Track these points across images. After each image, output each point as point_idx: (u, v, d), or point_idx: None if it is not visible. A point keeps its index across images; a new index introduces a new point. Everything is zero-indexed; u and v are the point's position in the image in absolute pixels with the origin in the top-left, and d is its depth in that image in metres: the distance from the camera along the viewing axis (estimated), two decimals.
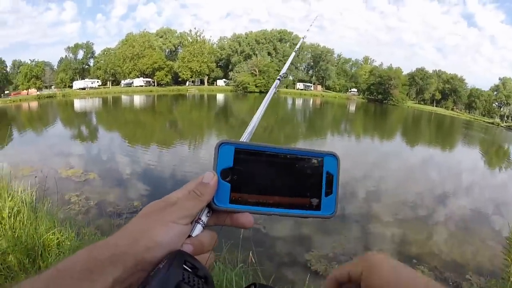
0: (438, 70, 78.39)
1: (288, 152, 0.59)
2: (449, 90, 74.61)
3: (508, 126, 62.94)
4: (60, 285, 0.41)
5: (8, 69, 60.63)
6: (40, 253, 3.46)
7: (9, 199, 4.23)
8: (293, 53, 1.57)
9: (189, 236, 0.54)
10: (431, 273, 6.50)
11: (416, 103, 76.91)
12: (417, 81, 74.81)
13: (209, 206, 0.56)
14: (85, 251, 0.46)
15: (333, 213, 0.60)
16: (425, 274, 6.34)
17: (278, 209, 0.58)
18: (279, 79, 1.18)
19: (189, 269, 0.46)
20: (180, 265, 0.45)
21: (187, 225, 0.53)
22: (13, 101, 48.74)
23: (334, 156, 0.61)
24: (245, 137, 0.72)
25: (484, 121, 67.62)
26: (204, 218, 0.56)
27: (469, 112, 75.25)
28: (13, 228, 3.74)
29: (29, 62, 61.85)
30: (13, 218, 3.92)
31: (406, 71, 76.03)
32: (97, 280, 0.42)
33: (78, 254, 0.45)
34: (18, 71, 61.05)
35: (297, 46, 1.81)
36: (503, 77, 72.42)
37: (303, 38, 2.12)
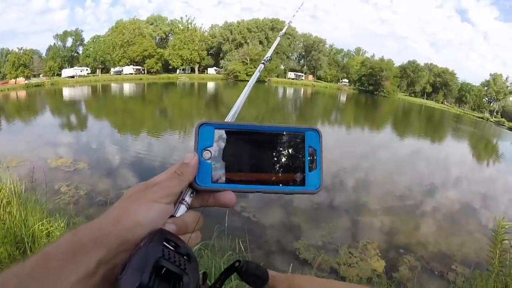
0: (430, 64, 78.86)
1: (268, 129, 0.60)
2: (440, 83, 75.12)
3: (497, 121, 63.71)
4: (44, 268, 0.41)
5: None
6: (29, 244, 3.45)
7: None
8: (278, 38, 1.54)
9: (172, 216, 0.54)
10: (417, 263, 6.65)
11: (406, 95, 77.34)
12: (409, 74, 75.12)
13: (192, 187, 0.57)
14: (69, 235, 0.46)
15: (318, 188, 0.60)
16: (412, 263, 6.52)
17: (262, 186, 0.58)
18: (263, 63, 1.19)
19: (170, 247, 0.46)
20: (161, 242, 0.45)
21: (169, 204, 0.53)
22: (1, 91, 47.63)
23: (315, 130, 0.61)
24: (229, 118, 0.72)
25: (473, 115, 68.38)
26: (187, 198, 0.57)
27: (459, 106, 75.88)
28: (3, 220, 3.72)
29: (17, 50, 60.34)
30: (3, 210, 3.89)
31: (397, 63, 76.23)
32: (81, 262, 0.42)
33: (62, 237, 0.46)
34: (6, 59, 59.41)
35: (283, 31, 1.80)
36: (494, 73, 72.99)
37: (288, 23, 2.11)
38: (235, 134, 0.59)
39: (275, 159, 0.59)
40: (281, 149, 0.60)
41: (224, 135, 0.59)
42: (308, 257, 6.49)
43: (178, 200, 0.56)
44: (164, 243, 0.46)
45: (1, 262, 3.07)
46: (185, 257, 0.46)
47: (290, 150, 0.60)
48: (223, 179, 0.58)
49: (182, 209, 0.56)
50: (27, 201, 4.48)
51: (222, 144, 0.58)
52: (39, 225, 3.85)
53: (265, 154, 0.59)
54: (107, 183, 9.73)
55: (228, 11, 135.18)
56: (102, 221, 0.48)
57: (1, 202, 3.99)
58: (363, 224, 8.57)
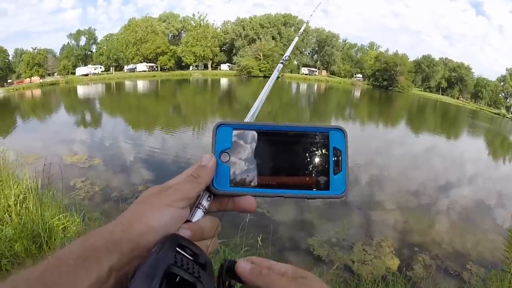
0: (445, 58, 77.12)
1: (289, 129, 0.57)
2: (455, 78, 73.52)
3: None
4: (55, 273, 0.40)
5: (10, 58, 59.91)
6: (46, 239, 3.50)
7: (15, 186, 4.28)
8: (296, 38, 1.54)
9: (188, 221, 0.52)
10: (432, 262, 6.55)
11: (421, 90, 76.00)
12: (423, 69, 73.79)
13: (209, 190, 0.55)
14: (81, 239, 0.45)
15: (344, 192, 0.57)
16: (426, 262, 6.43)
17: (283, 190, 0.56)
18: (282, 63, 1.16)
19: (184, 253, 0.44)
20: (173, 248, 0.44)
21: (184, 208, 0.51)
22: (16, 90, 48.59)
23: (340, 130, 0.58)
24: (248, 118, 0.70)
25: (489, 111, 66.58)
26: (204, 203, 0.55)
27: (475, 102, 74.23)
28: (19, 215, 3.80)
29: (31, 50, 61.39)
30: (19, 205, 3.96)
31: (412, 58, 74.89)
32: (92, 268, 0.41)
33: (74, 242, 0.45)
34: (21, 59, 60.35)
35: (301, 31, 1.79)
36: (510, 68, 71.09)
37: (306, 22, 2.09)
38: (254, 135, 0.57)
39: (297, 161, 0.57)
40: (303, 150, 0.57)
41: (243, 136, 0.56)
42: (322, 254, 6.46)
43: (195, 205, 0.54)
44: (177, 249, 0.44)
45: (17, 257, 3.13)
46: (200, 264, 0.45)
47: (313, 152, 0.57)
48: (243, 182, 0.55)
49: (199, 213, 0.54)
50: (43, 197, 4.55)
51: (241, 146, 0.56)
52: (55, 220, 3.92)
53: (287, 156, 0.57)
54: (122, 179, 9.85)
55: (240, 7, 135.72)
56: (114, 226, 0.47)
57: (18, 197, 4.07)
58: (377, 221, 8.47)
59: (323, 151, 0.57)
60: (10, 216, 3.79)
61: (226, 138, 0.56)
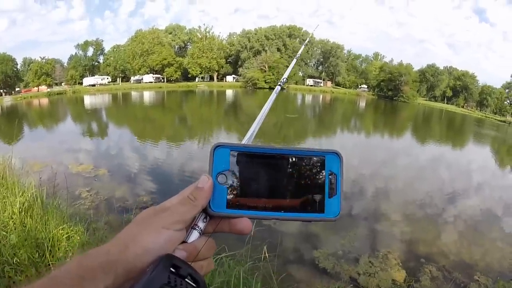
0: (449, 67, 77.25)
1: (287, 152, 0.57)
2: (460, 87, 73.38)
3: None
4: None
5: (18, 67, 61.27)
6: (49, 248, 3.50)
7: (20, 194, 4.29)
8: (294, 60, 1.58)
9: (184, 242, 0.52)
10: (439, 273, 6.45)
11: (426, 100, 75.88)
12: (428, 78, 73.72)
13: (205, 212, 0.55)
14: (78, 259, 0.45)
15: (337, 215, 0.57)
16: (433, 273, 6.33)
17: (279, 213, 0.56)
18: (279, 85, 1.19)
19: (178, 273, 0.44)
20: (167, 269, 0.44)
21: (180, 231, 0.51)
22: (24, 98, 49.35)
23: (336, 154, 0.58)
24: (245, 140, 0.69)
25: (495, 119, 66.25)
26: (200, 224, 0.55)
27: (480, 110, 73.88)
28: (24, 223, 3.80)
29: (39, 59, 62.61)
30: (24, 213, 3.97)
31: (416, 67, 74.95)
32: None
33: (70, 261, 0.45)
34: (29, 68, 61.86)
35: (299, 52, 1.84)
36: None
37: (307, 40, 2.12)
38: (252, 157, 0.57)
39: (294, 184, 0.57)
40: (300, 173, 0.57)
41: (241, 158, 0.56)
42: (327, 266, 6.38)
43: (191, 226, 0.54)
44: (171, 269, 0.45)
45: (21, 264, 3.13)
46: (193, 285, 0.45)
47: (309, 175, 0.57)
48: (239, 205, 0.55)
49: (195, 234, 0.54)
50: (48, 205, 4.56)
51: (238, 168, 0.56)
52: (59, 229, 3.92)
53: (284, 179, 0.57)
54: (127, 190, 9.85)
55: (245, 19, 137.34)
56: (111, 247, 0.47)
57: (23, 205, 4.08)
58: (383, 232, 8.38)
59: (319, 174, 0.57)
60: (14, 224, 3.80)
61: (223, 160, 0.56)
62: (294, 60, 1.55)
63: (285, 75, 1.27)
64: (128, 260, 0.45)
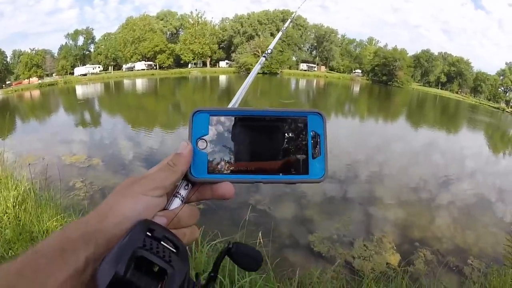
0: (444, 53, 77.06)
1: (267, 114, 0.56)
2: (454, 73, 73.39)
3: None
4: (33, 266, 0.40)
5: (8, 59, 60.10)
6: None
7: (14, 188, 4.26)
8: (280, 33, 1.59)
9: (165, 209, 0.52)
10: (433, 257, 6.55)
11: (421, 85, 75.90)
12: (422, 63, 73.66)
13: (187, 178, 0.54)
14: (59, 232, 0.45)
15: (323, 176, 0.56)
16: (427, 257, 6.43)
17: (262, 175, 0.55)
18: (264, 56, 1.19)
19: (154, 237, 0.44)
20: (143, 232, 0.43)
21: (160, 197, 0.51)
22: (15, 91, 48.62)
23: (319, 114, 0.57)
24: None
25: (489, 105, 66.50)
26: (182, 191, 0.54)
27: (474, 96, 74.08)
28: (18, 217, 3.78)
29: (29, 51, 61.47)
30: (18, 207, 3.95)
31: (411, 52, 74.59)
32: (69, 259, 0.42)
33: (52, 235, 0.45)
34: (19, 60, 60.62)
35: (285, 25, 1.90)
36: (509, 62, 71.10)
37: (292, 16, 2.14)
38: (231, 121, 0.56)
39: (276, 146, 0.56)
40: (281, 135, 0.56)
41: (220, 122, 0.56)
42: (322, 250, 6.45)
43: (173, 193, 0.53)
44: (148, 233, 0.44)
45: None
46: (172, 249, 0.45)
47: (291, 136, 0.56)
48: (220, 169, 0.55)
49: (176, 202, 0.53)
50: (42, 198, 4.54)
51: (218, 132, 0.55)
52: (53, 221, 3.90)
53: (265, 141, 0.56)
54: (121, 179, 9.73)
55: (237, 4, 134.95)
56: (90, 217, 0.47)
57: (17, 199, 4.06)
58: (378, 216, 8.46)
59: (302, 135, 0.57)
60: (9, 219, 3.77)
61: (203, 125, 0.56)
62: (280, 33, 1.56)
63: (271, 46, 1.29)
64: (107, 229, 0.45)
